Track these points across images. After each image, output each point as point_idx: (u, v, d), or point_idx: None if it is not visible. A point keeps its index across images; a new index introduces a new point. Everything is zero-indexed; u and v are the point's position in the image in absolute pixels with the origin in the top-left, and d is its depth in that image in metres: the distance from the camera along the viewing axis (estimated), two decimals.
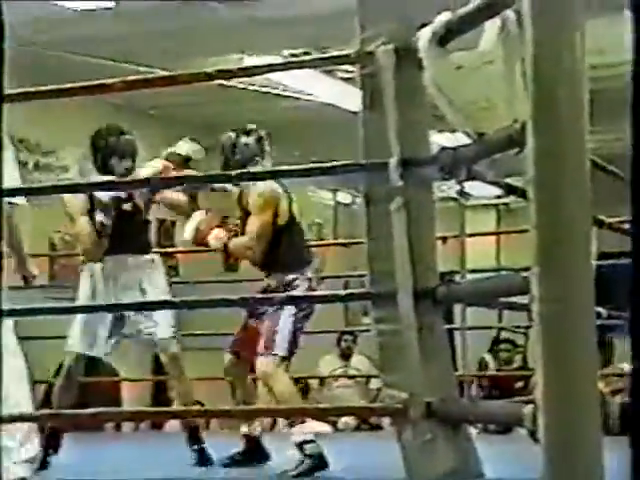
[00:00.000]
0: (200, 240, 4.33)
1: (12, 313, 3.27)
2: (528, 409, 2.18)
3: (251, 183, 4.20)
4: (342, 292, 4.53)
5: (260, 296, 4.17)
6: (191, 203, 4.43)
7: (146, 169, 4.42)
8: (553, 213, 2.06)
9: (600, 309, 3.28)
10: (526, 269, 2.14)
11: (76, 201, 4.44)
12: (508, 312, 7.26)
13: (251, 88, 7.96)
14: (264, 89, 8.11)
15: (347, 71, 7.21)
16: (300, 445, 3.95)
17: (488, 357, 8.84)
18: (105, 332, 4.41)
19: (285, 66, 5.27)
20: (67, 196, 4.43)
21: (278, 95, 8.31)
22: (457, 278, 3.07)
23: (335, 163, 3.09)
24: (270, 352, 4.02)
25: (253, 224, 4.15)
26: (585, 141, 2.07)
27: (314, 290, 4.17)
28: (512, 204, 10.90)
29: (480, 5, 2.49)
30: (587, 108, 2.07)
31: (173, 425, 7.69)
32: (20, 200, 3.41)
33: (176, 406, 4.73)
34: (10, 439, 3.20)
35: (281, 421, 6.59)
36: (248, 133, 4.30)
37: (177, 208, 4.54)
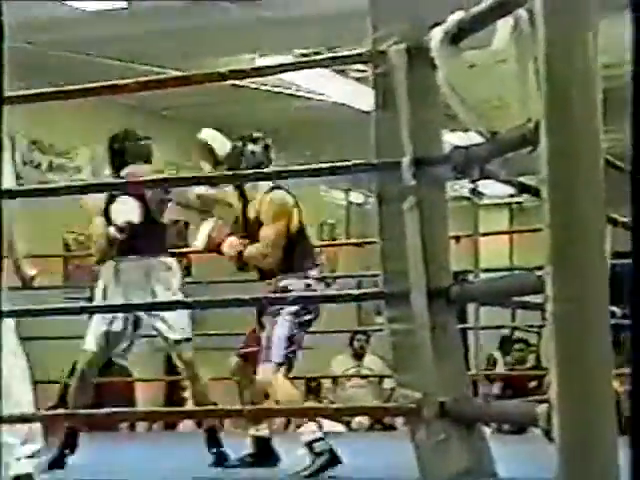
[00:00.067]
0: (212, 247, 4.34)
1: (23, 313, 3.29)
2: (542, 408, 2.17)
3: (260, 194, 4.22)
4: (355, 292, 4.52)
5: (273, 295, 4.18)
6: (213, 204, 4.44)
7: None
8: (567, 212, 2.06)
9: (615, 308, 3.27)
10: (539, 268, 2.13)
11: (92, 201, 4.46)
12: (521, 311, 7.25)
13: (263, 88, 7.97)
14: (276, 89, 8.12)
15: (359, 70, 7.22)
16: (310, 444, 3.95)
17: (497, 354, 8.84)
18: (120, 335, 4.42)
19: (298, 66, 5.27)
20: (84, 196, 4.46)
21: (290, 95, 8.32)
22: (470, 277, 3.06)
23: (347, 163, 3.09)
24: (266, 360, 4.06)
25: (268, 232, 4.16)
26: (599, 140, 2.07)
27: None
28: (525, 203, 10.89)
29: (492, 4, 2.49)
30: (600, 107, 2.07)
31: (187, 425, 7.71)
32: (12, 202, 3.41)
33: (189, 406, 4.74)
34: (11, 435, 3.21)
35: (294, 422, 6.59)
36: (255, 141, 4.31)
37: (202, 204, 4.50)
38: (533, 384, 7.85)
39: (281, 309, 4.09)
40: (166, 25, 6.78)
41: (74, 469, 4.31)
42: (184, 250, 6.47)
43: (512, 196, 10.58)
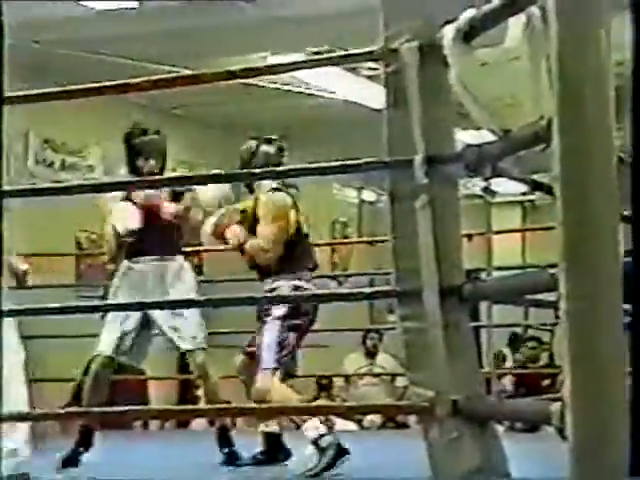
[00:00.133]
0: (219, 234, 4.36)
1: (34, 312, 3.30)
2: (556, 407, 2.17)
3: (262, 193, 4.23)
4: (367, 290, 4.51)
5: (285, 294, 4.18)
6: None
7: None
8: (580, 210, 2.05)
9: (628, 306, 3.26)
10: (552, 266, 2.13)
11: (106, 201, 4.48)
12: (534, 309, 7.24)
13: (274, 87, 7.97)
14: (287, 88, 8.12)
15: (371, 69, 7.21)
16: (315, 441, 3.95)
17: (506, 350, 8.84)
18: (134, 338, 4.43)
19: (309, 64, 5.27)
20: (98, 196, 4.47)
21: (301, 93, 8.32)
22: (483, 275, 3.05)
23: (359, 161, 3.09)
24: (261, 368, 4.10)
25: (268, 229, 4.18)
26: (612, 137, 2.06)
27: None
28: (538, 201, 10.87)
29: (504, 1, 2.48)
30: (613, 104, 2.06)
31: (199, 423, 7.73)
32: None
33: (202, 405, 4.75)
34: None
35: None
36: (269, 142, 4.33)
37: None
38: (546, 382, 7.83)
39: (267, 315, 4.12)
40: (178, 24, 6.79)
41: (87, 467, 4.33)
42: (194, 249, 6.47)
43: (525, 194, 10.56)
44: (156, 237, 4.43)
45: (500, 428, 4.12)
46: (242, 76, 3.78)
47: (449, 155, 2.94)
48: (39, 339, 5.51)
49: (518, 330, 8.89)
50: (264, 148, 4.32)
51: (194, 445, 5.70)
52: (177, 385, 8.44)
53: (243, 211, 4.35)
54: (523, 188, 8.56)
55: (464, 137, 3.75)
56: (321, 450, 3.92)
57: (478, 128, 2.82)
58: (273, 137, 4.39)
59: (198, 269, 7.57)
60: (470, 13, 2.64)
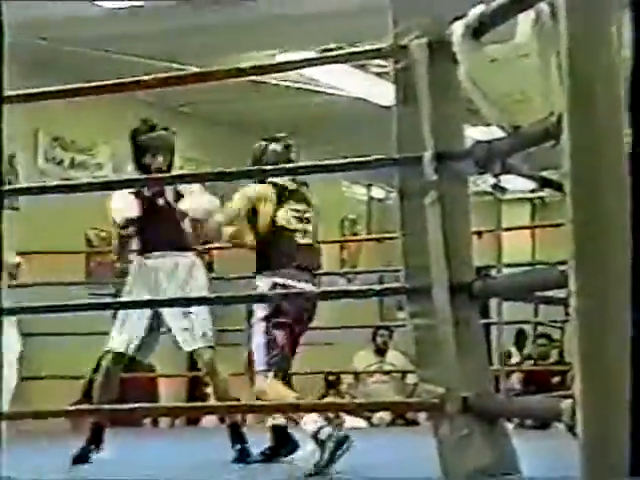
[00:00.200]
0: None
1: (45, 309, 3.31)
2: (566, 404, 2.16)
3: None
4: (377, 287, 4.51)
5: (294, 292, 4.18)
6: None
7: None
8: (590, 207, 2.05)
9: None
10: (562, 263, 2.12)
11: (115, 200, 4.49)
12: (544, 306, 7.22)
13: (283, 84, 7.97)
14: (296, 85, 8.12)
15: (380, 66, 7.20)
16: (315, 434, 3.94)
17: (512, 349, 8.83)
18: (145, 335, 4.44)
19: (318, 61, 5.26)
20: (107, 193, 4.49)
21: (310, 91, 8.32)
22: (493, 272, 3.05)
23: (368, 158, 3.09)
24: (256, 371, 4.13)
25: (228, 205, 4.32)
26: (622, 134, 2.05)
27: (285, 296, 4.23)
28: (547, 198, 10.84)
29: None
30: (623, 101, 2.05)
31: (209, 420, 7.74)
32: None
33: (212, 402, 4.75)
34: None
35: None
36: (277, 140, 4.40)
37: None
38: (556, 379, 7.82)
39: (250, 317, 4.17)
40: (187, 22, 6.79)
41: (98, 464, 4.33)
42: (203, 247, 6.48)
43: (534, 191, 10.52)
44: (159, 229, 4.44)
45: (510, 425, 4.12)
46: (251, 73, 3.78)
47: (459, 152, 2.93)
48: (48, 337, 5.51)
49: (525, 327, 8.89)
50: (272, 146, 4.40)
51: (204, 442, 5.71)
52: (187, 382, 8.45)
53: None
54: (533, 185, 8.53)
55: (474, 133, 3.75)
56: (321, 443, 3.91)
57: (488, 124, 2.82)
58: (281, 135, 4.45)
59: (209, 266, 7.58)
60: (479, 9, 2.64)
